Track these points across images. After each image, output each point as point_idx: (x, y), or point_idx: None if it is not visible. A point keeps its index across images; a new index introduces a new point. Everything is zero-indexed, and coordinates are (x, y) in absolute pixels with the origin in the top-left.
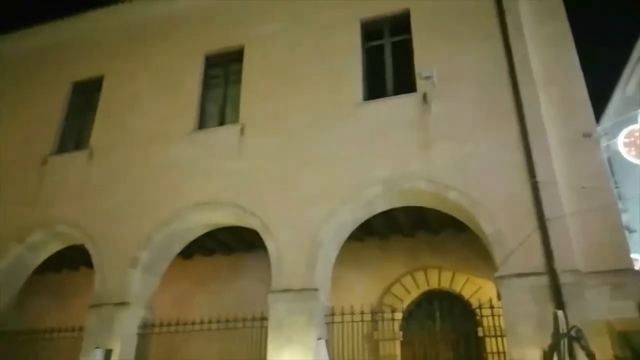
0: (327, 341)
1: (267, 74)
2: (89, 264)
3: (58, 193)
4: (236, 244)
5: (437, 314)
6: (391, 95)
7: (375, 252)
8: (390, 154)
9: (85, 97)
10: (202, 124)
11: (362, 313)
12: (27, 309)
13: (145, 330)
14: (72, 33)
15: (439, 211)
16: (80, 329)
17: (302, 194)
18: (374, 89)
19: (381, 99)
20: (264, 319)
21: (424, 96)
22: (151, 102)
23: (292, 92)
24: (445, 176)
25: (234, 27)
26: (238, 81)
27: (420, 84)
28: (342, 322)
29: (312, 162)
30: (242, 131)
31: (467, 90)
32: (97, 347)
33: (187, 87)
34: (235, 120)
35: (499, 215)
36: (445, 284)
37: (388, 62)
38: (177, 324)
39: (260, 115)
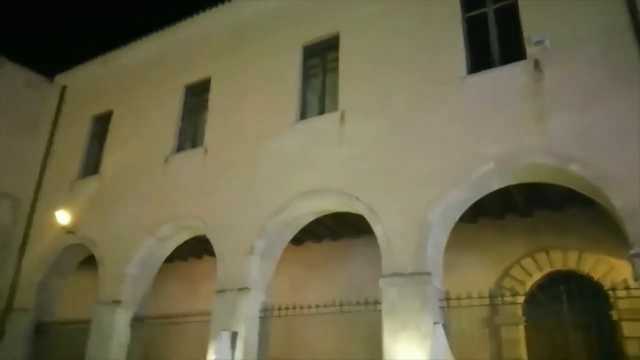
0: (444, 325)
1: (364, 58)
2: (211, 252)
3: (180, 189)
4: (344, 229)
5: (564, 296)
6: (498, 66)
7: (489, 233)
8: (502, 128)
9: (197, 98)
10: (303, 114)
11: (480, 297)
12: (159, 296)
13: (266, 314)
14: (180, 39)
15: (558, 186)
16: (208, 313)
17: (407, 176)
18: (478, 61)
19: (487, 70)
20: (377, 303)
21: (536, 63)
22: (255, 97)
23: (391, 74)
24: (565, 148)
25: (329, 15)
26: (335, 69)
27: (530, 50)
28: (459, 306)
29: (416, 142)
30: (342, 118)
31: (584, 52)
32: (224, 330)
33: (288, 79)
34: (335, 108)
35: (630, 187)
36: (571, 264)
37: (492, 31)
38: (294, 307)
39: (360, 101)
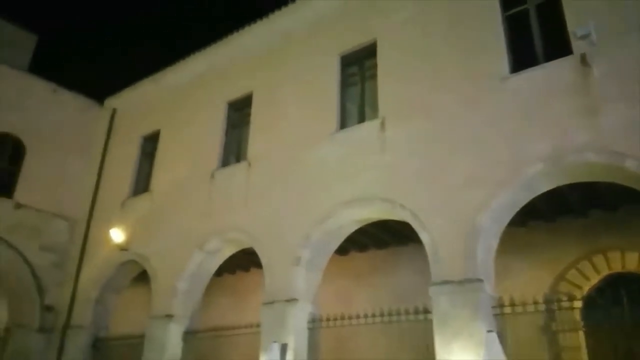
0: (498, 333)
1: (402, 63)
2: (258, 264)
3: (226, 202)
4: (389, 237)
5: (625, 299)
6: (542, 63)
7: (541, 236)
8: (549, 127)
9: (239, 113)
10: (343, 124)
11: (535, 303)
12: (210, 309)
13: (314, 325)
14: (223, 57)
15: (613, 184)
16: (257, 325)
17: (452, 179)
18: (521, 59)
19: (531, 68)
20: (427, 312)
21: (583, 57)
22: (295, 109)
23: (430, 76)
24: (619, 144)
25: (365, 23)
26: (374, 76)
27: (576, 44)
28: (513, 313)
29: (460, 145)
30: (382, 125)
31: (633, 43)
32: (274, 342)
33: (327, 89)
34: (375, 115)
35: None
36: (630, 266)
37: (535, 27)
38: (343, 318)
39: (400, 106)
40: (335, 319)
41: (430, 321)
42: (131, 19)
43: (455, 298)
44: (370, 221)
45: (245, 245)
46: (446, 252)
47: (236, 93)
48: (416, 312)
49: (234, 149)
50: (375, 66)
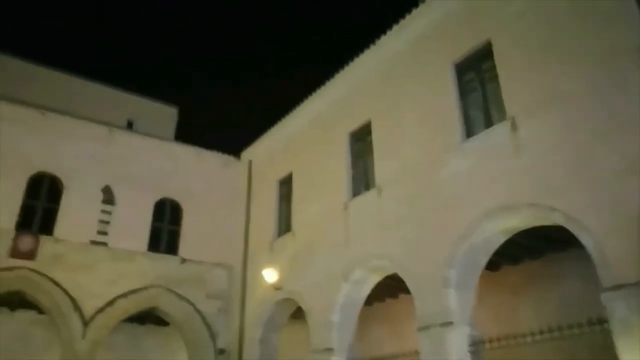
0: None
1: (523, 57)
2: (406, 290)
3: (362, 231)
4: (543, 245)
5: None
6: None
7: None
8: None
9: (361, 142)
10: (469, 132)
11: None
12: (365, 340)
13: (477, 347)
14: (338, 91)
15: None
16: (416, 352)
17: (605, 170)
18: None
19: None
20: (603, 321)
21: None
22: (416, 126)
23: (556, 65)
24: None
25: (475, 25)
26: (494, 77)
27: None
28: None
29: (607, 129)
30: (513, 125)
31: None
32: None
33: (445, 101)
34: (503, 117)
35: None
36: None
37: None
38: (507, 338)
39: (529, 102)
40: (498, 340)
41: (608, 331)
42: (245, 79)
43: (635, 302)
44: (517, 230)
45: (389, 272)
46: (615, 252)
47: (355, 123)
48: (590, 323)
49: (362, 178)
50: (493, 67)
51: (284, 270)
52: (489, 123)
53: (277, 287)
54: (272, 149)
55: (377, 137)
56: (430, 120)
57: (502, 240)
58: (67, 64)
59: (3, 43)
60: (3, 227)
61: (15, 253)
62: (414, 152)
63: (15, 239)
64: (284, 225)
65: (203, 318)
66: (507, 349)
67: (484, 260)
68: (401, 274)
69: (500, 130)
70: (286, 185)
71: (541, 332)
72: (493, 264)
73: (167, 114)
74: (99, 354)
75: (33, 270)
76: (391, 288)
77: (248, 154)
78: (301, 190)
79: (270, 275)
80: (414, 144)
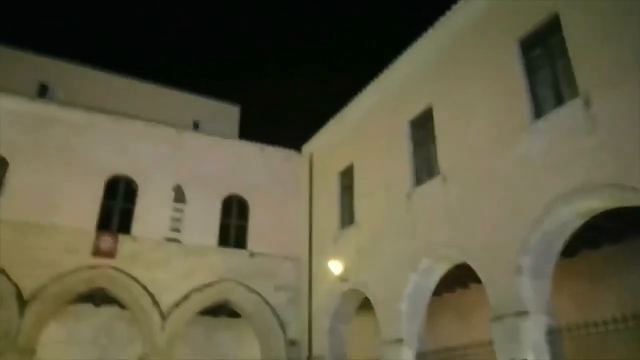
0: None
1: (596, 29)
2: (476, 279)
3: (428, 220)
4: (625, 229)
5: None
6: None
7: None
8: None
9: (423, 129)
10: (539, 112)
11: None
12: (435, 330)
13: (554, 337)
14: (397, 78)
15: None
16: (489, 342)
17: None
18: None
19: None
20: None
21: None
22: (480, 110)
23: (634, 34)
24: None
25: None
26: (563, 51)
27: None
28: None
29: None
30: (587, 102)
31: None
32: (512, 359)
33: (511, 81)
34: (575, 93)
35: None
36: None
37: None
38: (587, 326)
39: (604, 76)
40: (578, 328)
41: None
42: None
43: None
44: (596, 212)
45: (458, 261)
46: None
47: (415, 110)
48: None
49: (424, 166)
50: (561, 41)
51: (349, 262)
52: (559, 101)
53: (342, 279)
54: (332, 141)
55: (439, 122)
56: (496, 102)
57: (579, 224)
58: (134, 70)
59: (77, 54)
60: (86, 229)
61: (97, 252)
62: (480, 136)
63: (96, 239)
64: (347, 217)
65: (273, 310)
66: (589, 338)
67: (559, 246)
68: (471, 263)
69: (572, 108)
70: (347, 176)
71: (624, 319)
72: (570, 250)
73: (230, 113)
74: (177, 347)
75: (114, 267)
76: (461, 278)
77: (309, 147)
78: (362, 181)
79: (335, 266)
80: (479, 127)
